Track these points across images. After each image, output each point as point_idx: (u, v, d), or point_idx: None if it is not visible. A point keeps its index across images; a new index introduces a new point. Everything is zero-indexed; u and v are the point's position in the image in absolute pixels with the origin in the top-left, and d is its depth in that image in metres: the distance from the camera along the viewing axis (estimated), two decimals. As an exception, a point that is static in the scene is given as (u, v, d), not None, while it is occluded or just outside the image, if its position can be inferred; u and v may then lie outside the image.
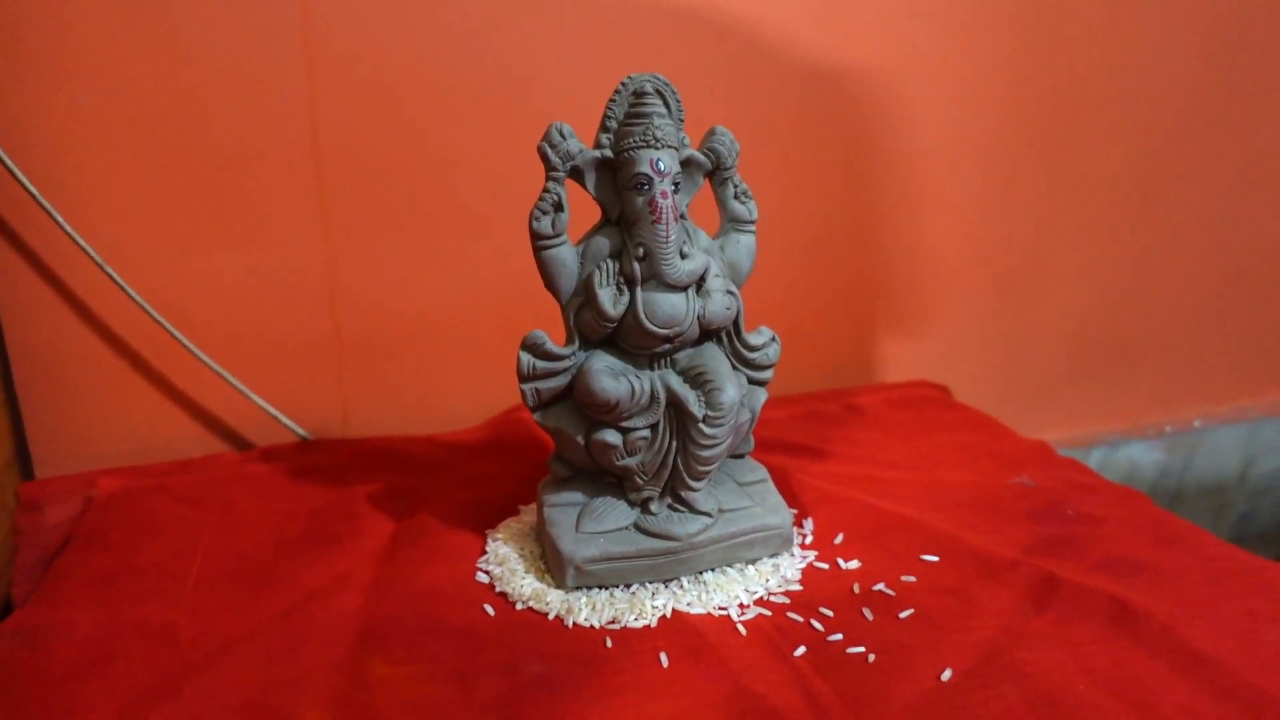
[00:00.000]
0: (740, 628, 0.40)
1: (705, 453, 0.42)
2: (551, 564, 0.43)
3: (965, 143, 0.71)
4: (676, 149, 0.41)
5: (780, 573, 0.44)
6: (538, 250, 0.42)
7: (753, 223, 0.45)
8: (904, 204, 0.71)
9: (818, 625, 0.40)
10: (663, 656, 0.38)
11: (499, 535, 0.47)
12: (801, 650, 0.38)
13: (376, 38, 0.56)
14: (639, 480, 0.43)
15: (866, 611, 0.41)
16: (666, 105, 0.41)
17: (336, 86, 0.56)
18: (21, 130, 0.51)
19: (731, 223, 0.45)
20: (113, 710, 0.35)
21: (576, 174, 0.42)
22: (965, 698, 0.35)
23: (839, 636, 0.39)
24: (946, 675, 0.37)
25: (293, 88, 0.55)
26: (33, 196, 0.51)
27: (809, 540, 0.47)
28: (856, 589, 0.43)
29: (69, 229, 0.52)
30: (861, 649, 0.38)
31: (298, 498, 0.52)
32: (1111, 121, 0.75)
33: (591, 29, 0.59)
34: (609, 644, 0.39)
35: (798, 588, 0.43)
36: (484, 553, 0.46)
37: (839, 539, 0.47)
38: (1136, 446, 0.84)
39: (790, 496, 0.51)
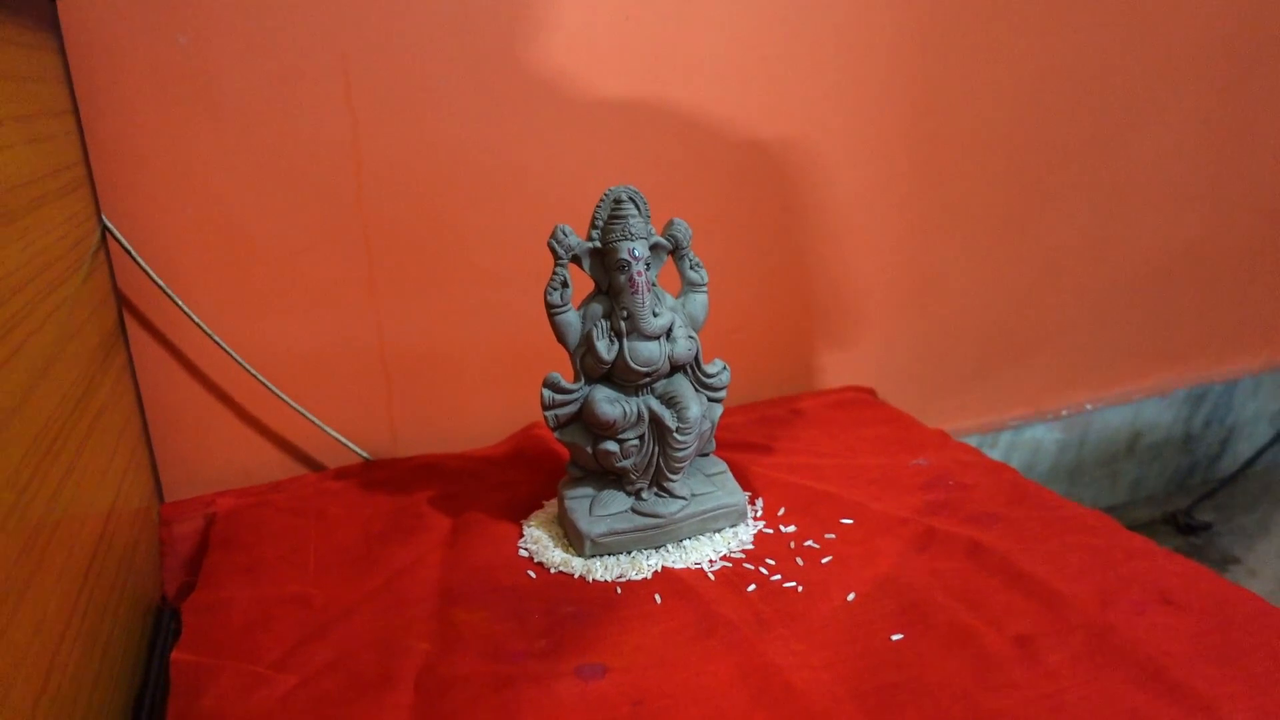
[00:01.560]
0: (710, 576, 0.57)
1: (679, 454, 0.59)
2: (572, 539, 0.60)
3: (873, 189, 0.89)
4: (646, 238, 0.58)
5: (738, 537, 0.61)
6: (552, 316, 0.59)
7: (704, 285, 0.61)
8: (829, 242, 0.88)
9: (764, 571, 0.57)
10: (657, 597, 0.55)
11: (531, 522, 0.64)
12: (753, 587, 0.55)
13: (411, 148, 0.72)
14: (632, 476, 0.60)
15: (799, 560, 0.58)
16: (637, 207, 0.58)
17: (381, 186, 0.72)
18: (145, 228, 0.67)
19: (689, 286, 0.61)
20: (282, 650, 0.51)
21: (576, 259, 0.59)
22: (861, 610, 0.52)
23: (778, 577, 0.56)
24: (851, 597, 0.53)
25: (346, 190, 0.71)
26: (153, 280, 0.67)
27: (759, 514, 0.64)
28: (792, 545, 0.60)
29: (182, 304, 0.68)
30: (794, 584, 0.55)
31: (372, 504, 0.69)
32: (990, 162, 0.92)
33: (574, 131, 0.76)
34: (619, 591, 0.56)
35: (751, 547, 0.60)
36: (522, 535, 0.63)
37: (781, 511, 0.64)
38: (1039, 428, 1.02)
39: (745, 482, 0.67)
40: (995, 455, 0.99)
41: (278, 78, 0.67)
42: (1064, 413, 1.02)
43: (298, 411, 0.73)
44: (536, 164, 0.76)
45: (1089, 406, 1.04)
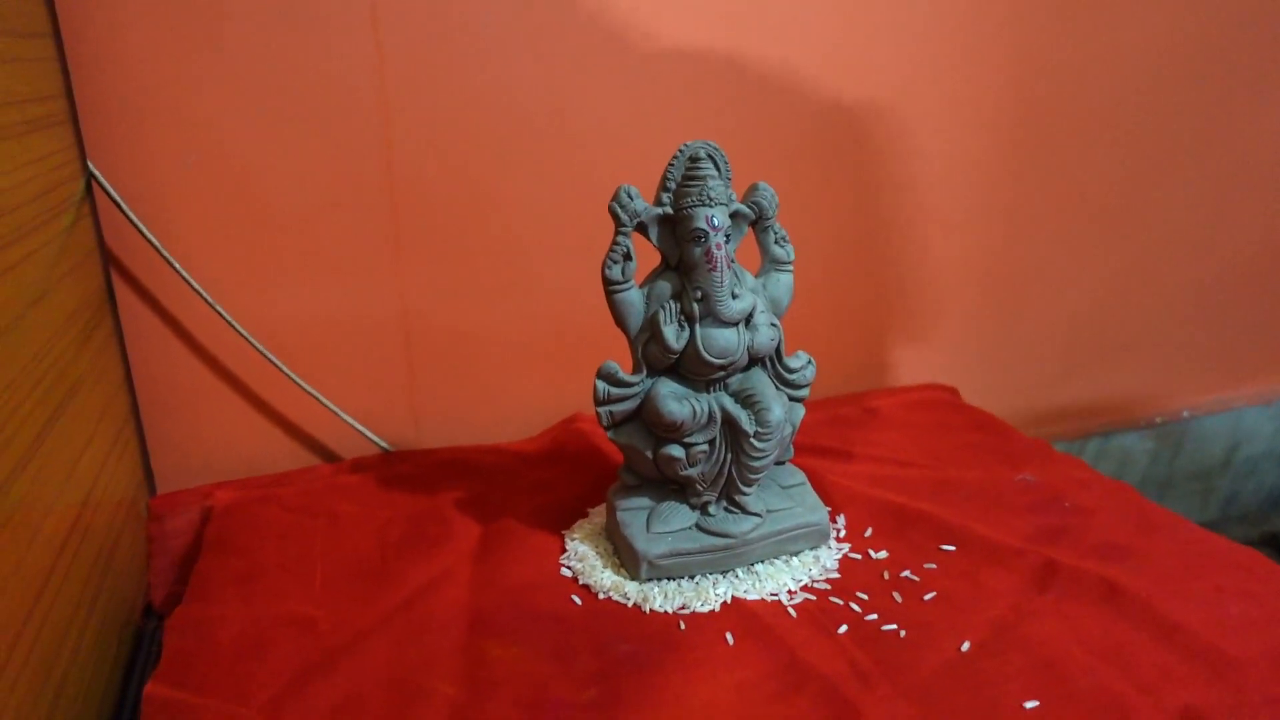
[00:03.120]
0: (790, 610, 0.47)
1: (756, 463, 0.50)
2: (625, 559, 0.51)
3: (962, 166, 0.78)
4: (726, 205, 0.48)
5: (821, 563, 0.51)
6: (610, 294, 0.49)
7: (790, 263, 0.52)
8: (908, 223, 0.78)
9: (855, 607, 0.48)
10: (729, 636, 0.45)
11: (575, 535, 0.55)
12: (844, 628, 0.46)
13: (444, 104, 0.63)
14: (699, 487, 0.50)
15: (896, 595, 0.49)
16: (717, 167, 0.48)
17: (410, 136, 0.63)
18: (141, 185, 0.58)
19: (773, 263, 0.52)
20: (277, 687, 0.43)
21: (641, 228, 0.49)
22: (981, 664, 0.43)
23: (874, 616, 0.47)
24: (965, 647, 0.44)
25: (372, 147, 0.62)
26: (146, 238, 0.58)
27: (843, 534, 0.55)
28: (886, 575, 0.50)
29: (179, 267, 0.59)
30: (894, 626, 0.46)
31: (391, 505, 0.60)
32: (1092, 143, 0.82)
33: (636, 79, 0.66)
34: (682, 626, 0.46)
35: (836, 575, 0.51)
36: (564, 550, 0.54)
37: (868, 532, 0.55)
38: (1129, 437, 0.92)
39: (824, 495, 0.58)
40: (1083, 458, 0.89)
41: (294, 4, 0.58)
42: (1157, 420, 0.92)
43: (309, 394, 0.65)
44: (590, 116, 0.66)
45: (1185, 414, 0.93)
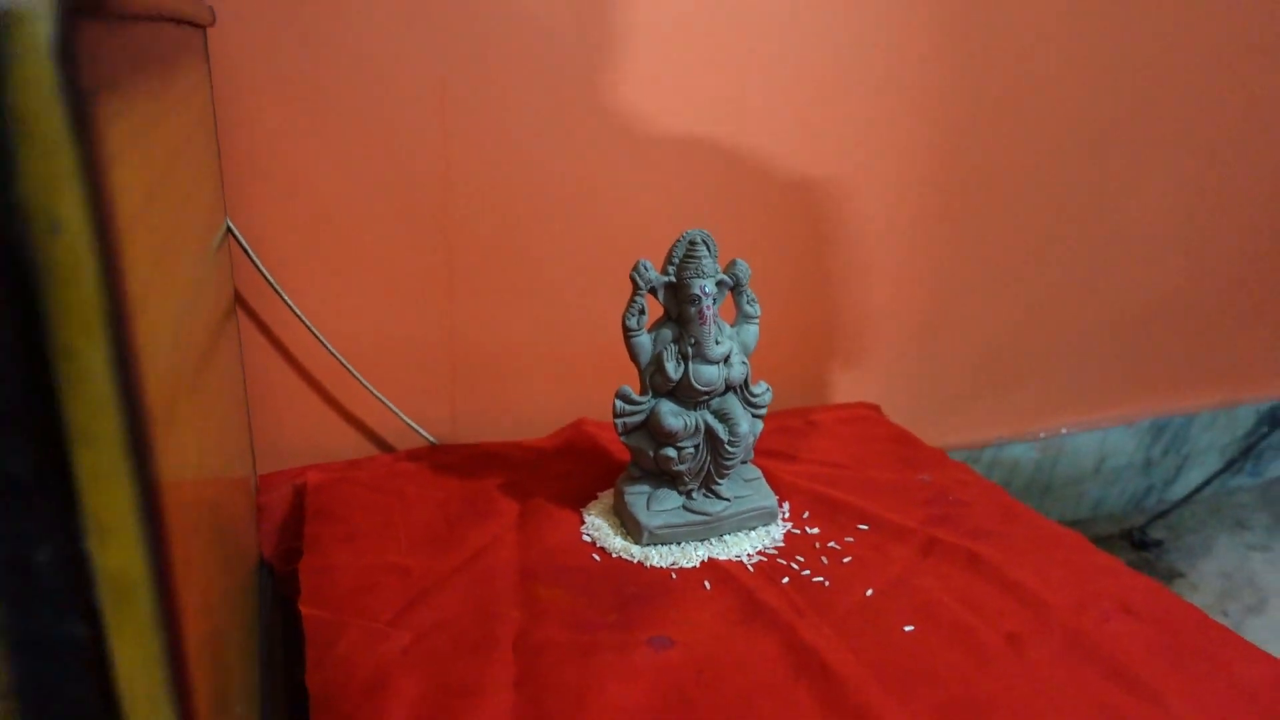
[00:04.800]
0: (749, 567, 0.67)
1: (728, 462, 0.69)
2: (630, 529, 0.70)
3: (895, 227, 0.99)
4: (714, 276, 0.67)
5: (771, 535, 0.71)
6: (628, 338, 0.68)
7: (757, 318, 0.71)
8: (848, 273, 0.98)
9: (794, 565, 0.67)
10: (706, 583, 0.65)
11: (591, 511, 0.73)
12: (786, 579, 0.65)
13: (495, 171, 0.81)
14: (686, 479, 0.69)
15: (823, 559, 0.68)
16: (709, 249, 0.67)
17: (465, 202, 0.81)
18: (260, 227, 0.75)
19: (744, 318, 0.71)
20: (392, 612, 0.61)
21: (653, 290, 0.68)
22: (879, 604, 0.63)
23: (807, 572, 0.66)
24: (869, 593, 0.64)
25: (434, 204, 0.80)
26: (263, 276, 0.76)
27: (787, 516, 0.74)
28: (817, 545, 0.70)
29: (285, 296, 0.77)
30: (821, 579, 0.65)
31: (444, 486, 0.78)
32: (1001, 211, 1.03)
33: (639, 163, 0.85)
34: (674, 576, 0.65)
35: (782, 544, 0.70)
36: (583, 522, 0.72)
37: (805, 515, 0.74)
38: (1018, 448, 1.13)
39: (775, 487, 0.77)
40: (979, 469, 1.10)
41: (384, 103, 0.75)
42: (1041, 435, 1.14)
43: (375, 396, 0.82)
44: (603, 190, 0.85)
45: (1064, 431, 1.15)
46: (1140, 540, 1.14)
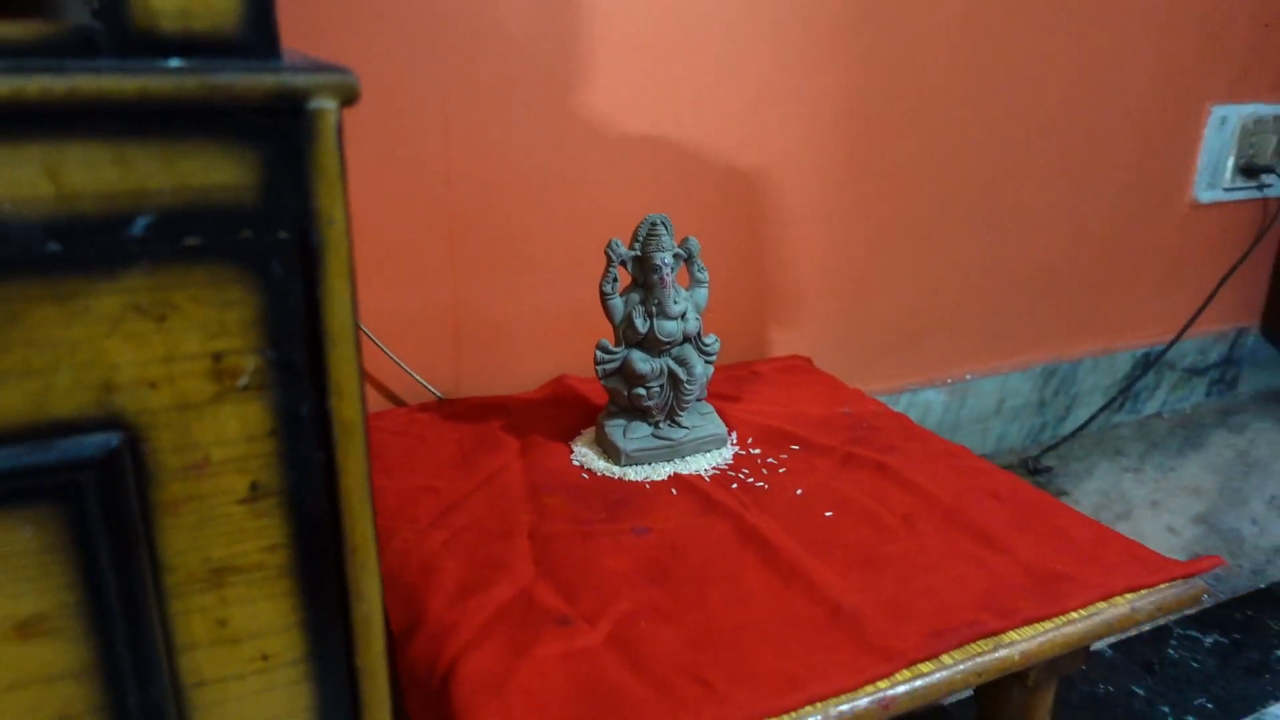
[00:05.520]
0: (706, 478, 0.85)
1: (687, 398, 0.87)
2: (610, 454, 0.87)
3: (820, 206, 1.17)
4: (672, 250, 0.85)
5: (722, 456, 0.89)
6: (604, 301, 0.85)
7: (706, 283, 0.89)
8: (783, 245, 1.17)
9: (741, 476, 0.85)
10: (673, 490, 0.83)
11: (577, 443, 0.91)
12: (735, 485, 0.83)
13: (489, 169, 0.97)
14: (654, 412, 0.87)
15: (763, 470, 0.87)
16: (667, 229, 0.85)
17: (465, 196, 0.97)
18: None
19: (696, 282, 0.89)
20: (430, 517, 0.77)
21: (623, 263, 0.85)
22: (806, 500, 0.81)
23: (751, 480, 0.85)
24: (799, 492, 0.82)
25: (439, 200, 0.96)
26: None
27: (735, 442, 0.93)
28: (759, 462, 0.88)
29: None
30: (763, 484, 0.84)
31: (457, 430, 0.94)
32: (910, 190, 1.22)
33: (608, 158, 1.02)
34: (647, 487, 0.83)
35: (731, 462, 0.88)
36: (571, 452, 0.90)
37: (750, 440, 0.93)
38: (930, 392, 1.33)
39: (725, 420, 0.95)
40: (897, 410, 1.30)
41: (395, 116, 0.92)
42: (949, 381, 1.34)
43: (392, 360, 0.99)
44: (579, 181, 1.02)
45: (968, 377, 1.35)
46: (1034, 468, 1.35)
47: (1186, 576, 0.71)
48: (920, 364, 1.32)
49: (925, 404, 1.33)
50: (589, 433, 0.93)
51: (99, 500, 0.37)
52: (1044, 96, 1.26)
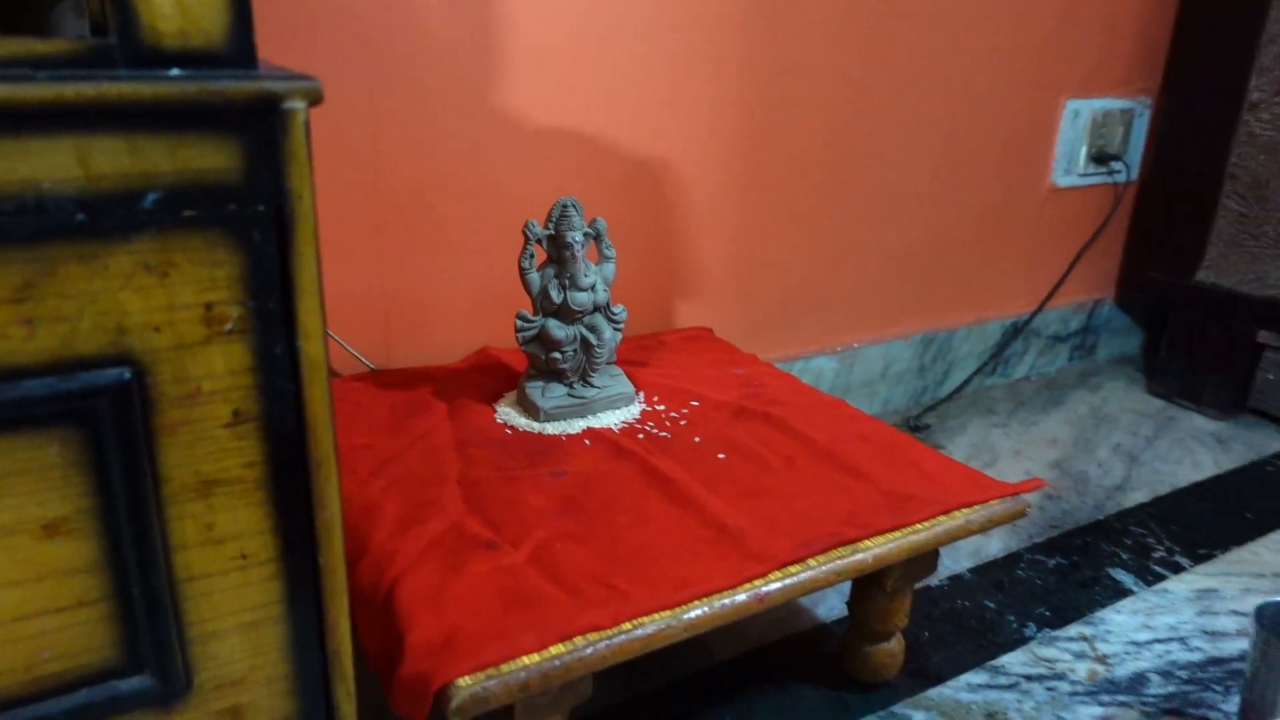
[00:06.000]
0: (616, 431, 0.96)
1: (598, 361, 0.98)
2: (531, 412, 0.98)
3: (718, 188, 1.29)
4: (581, 229, 0.96)
5: (630, 412, 1.00)
6: (523, 276, 0.96)
7: (614, 258, 1.00)
8: (688, 226, 1.29)
9: (647, 428, 0.97)
10: (586, 441, 0.94)
11: (500, 405, 1.01)
12: (641, 435, 0.95)
13: (415, 158, 1.06)
14: (569, 374, 0.98)
15: (667, 423, 0.98)
16: (577, 210, 0.96)
17: (392, 183, 1.06)
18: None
19: (604, 259, 1.00)
20: (369, 470, 0.87)
21: (539, 241, 0.96)
22: (704, 447, 0.93)
23: (655, 430, 0.96)
24: (697, 440, 0.94)
25: (368, 187, 1.05)
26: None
27: (642, 400, 1.04)
28: (663, 416, 1.00)
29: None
30: (666, 434, 0.95)
31: (389, 396, 1.03)
32: (802, 176, 1.35)
33: (525, 147, 1.12)
34: (564, 439, 0.94)
35: (638, 417, 1.00)
36: (495, 412, 1.00)
37: (655, 398, 1.04)
38: (822, 359, 1.47)
39: (634, 382, 1.07)
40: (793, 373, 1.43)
41: (330, 112, 1.00)
42: (839, 349, 1.48)
43: (329, 335, 1.07)
44: (499, 169, 1.12)
45: (856, 345, 1.50)
46: (915, 425, 1.50)
47: (1012, 495, 0.85)
48: (813, 334, 1.46)
49: (818, 370, 1.47)
50: (511, 395, 1.04)
51: (112, 423, 0.46)
52: (919, 92, 1.41)
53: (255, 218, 0.46)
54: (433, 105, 1.06)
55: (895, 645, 0.91)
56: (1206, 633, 1.01)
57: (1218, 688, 0.93)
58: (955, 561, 1.14)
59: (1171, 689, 0.93)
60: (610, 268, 1.00)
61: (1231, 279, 1.53)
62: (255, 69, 0.44)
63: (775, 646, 0.99)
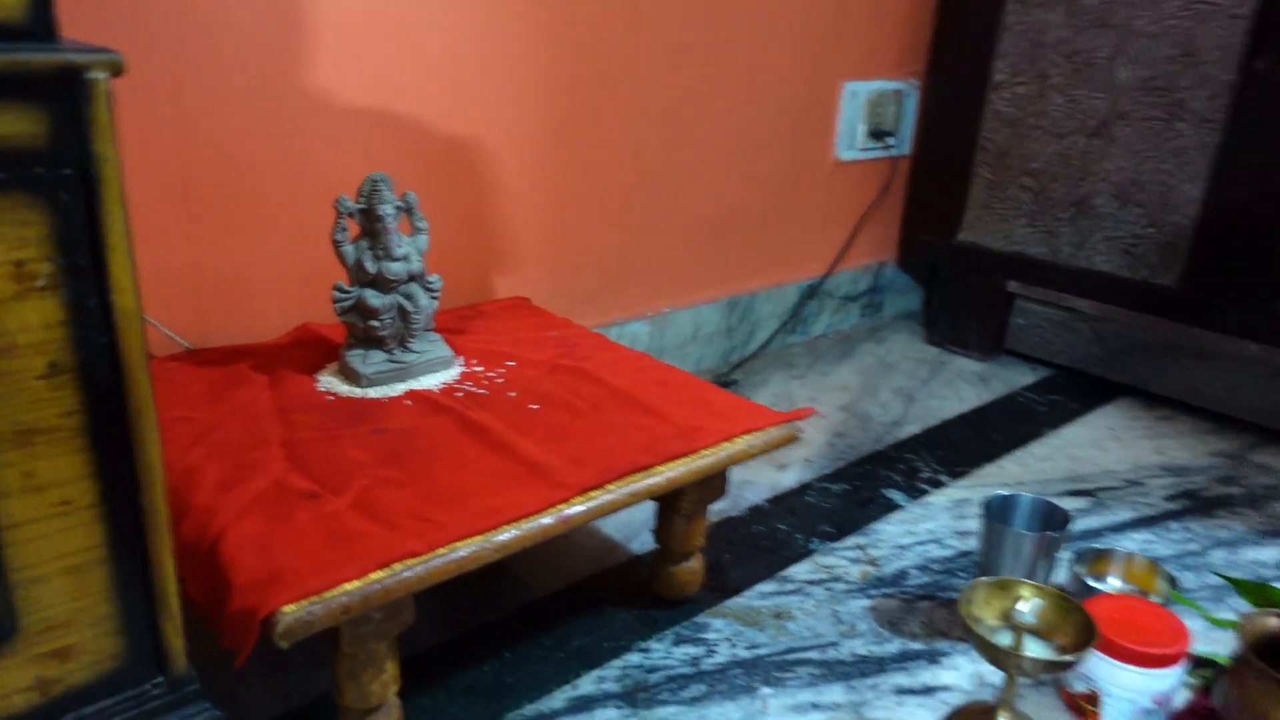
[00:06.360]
0: (436, 392, 1.03)
1: (415, 327, 1.04)
2: (352, 379, 1.03)
3: (531, 165, 1.37)
4: (393, 203, 1.01)
5: (450, 374, 1.07)
6: (337, 249, 1.00)
7: (426, 230, 1.06)
8: (501, 200, 1.36)
9: (466, 387, 1.04)
10: (408, 402, 1.00)
11: (322, 374, 1.05)
12: (460, 394, 1.02)
13: (229, 138, 1.08)
14: (388, 341, 1.04)
15: (484, 381, 1.06)
16: (387, 185, 1.01)
17: (205, 164, 1.08)
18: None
19: (416, 230, 1.06)
20: (189, 440, 0.90)
21: (351, 215, 1.00)
22: (519, 400, 1.01)
23: (474, 389, 1.03)
24: (513, 395, 1.02)
25: (176, 167, 1.06)
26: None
27: (462, 364, 1.11)
28: (481, 376, 1.07)
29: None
30: (484, 391, 1.03)
31: (208, 373, 1.05)
32: (610, 152, 1.45)
33: (339, 127, 1.16)
34: (385, 402, 1.00)
35: (458, 379, 1.07)
36: (317, 381, 1.04)
37: (474, 361, 1.11)
38: (637, 324, 1.58)
39: (455, 348, 1.13)
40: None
41: (131, 90, 1.01)
42: (651, 314, 1.60)
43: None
44: (311, 146, 1.15)
45: (667, 310, 1.62)
46: (724, 381, 1.64)
47: (786, 422, 0.99)
48: (626, 300, 1.57)
49: (633, 335, 1.57)
50: (333, 365, 1.08)
51: (-72, 376, 0.50)
52: (714, 74, 1.53)
53: (63, 180, 0.50)
54: (238, 85, 1.08)
55: (696, 564, 1.03)
56: (958, 533, 1.19)
57: (962, 574, 1.10)
58: (755, 494, 1.28)
59: (926, 579, 1.09)
60: (423, 239, 1.06)
61: (985, 238, 1.75)
62: (57, 43, 0.48)
63: (592, 580, 1.09)
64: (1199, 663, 0.92)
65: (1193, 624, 0.97)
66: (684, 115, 1.53)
